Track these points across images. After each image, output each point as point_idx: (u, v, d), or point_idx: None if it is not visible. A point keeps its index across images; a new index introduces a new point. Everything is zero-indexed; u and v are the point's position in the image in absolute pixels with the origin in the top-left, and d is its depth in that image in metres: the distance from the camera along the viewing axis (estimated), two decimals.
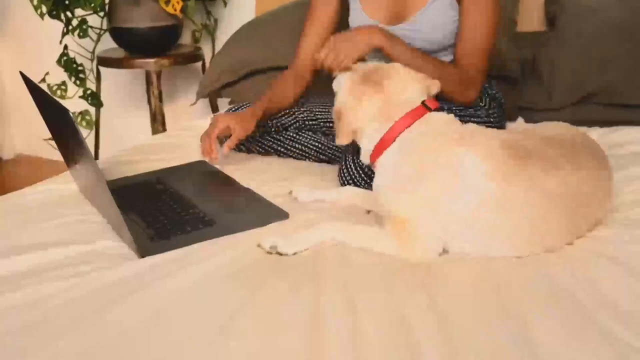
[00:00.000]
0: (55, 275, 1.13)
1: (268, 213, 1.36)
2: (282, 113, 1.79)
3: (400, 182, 1.23)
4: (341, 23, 1.76)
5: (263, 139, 1.78)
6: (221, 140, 1.65)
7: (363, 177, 1.51)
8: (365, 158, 1.36)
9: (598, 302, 1.01)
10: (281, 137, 1.78)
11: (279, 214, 1.35)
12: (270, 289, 1.07)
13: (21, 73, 1.43)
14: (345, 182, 1.53)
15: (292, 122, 1.80)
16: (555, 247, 1.18)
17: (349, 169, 1.54)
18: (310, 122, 1.80)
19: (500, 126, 1.72)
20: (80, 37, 2.50)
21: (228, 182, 1.56)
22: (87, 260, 1.19)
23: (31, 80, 1.36)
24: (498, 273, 1.11)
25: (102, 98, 2.74)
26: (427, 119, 1.27)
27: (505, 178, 1.14)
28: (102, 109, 2.78)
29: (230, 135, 1.60)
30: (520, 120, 1.79)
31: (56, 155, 2.74)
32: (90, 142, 2.83)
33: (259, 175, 1.63)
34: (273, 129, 1.79)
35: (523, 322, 0.96)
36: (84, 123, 2.70)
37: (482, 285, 1.08)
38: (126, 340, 0.94)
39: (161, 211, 1.39)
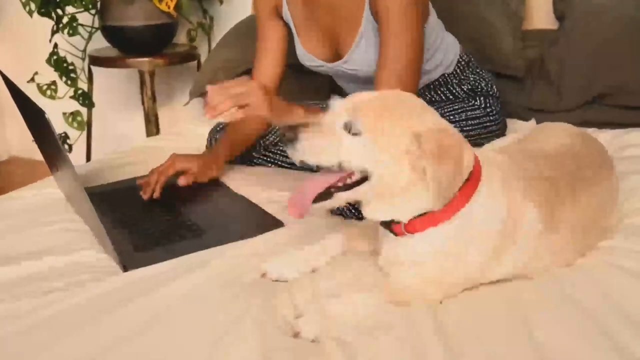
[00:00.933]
0: (31, 290, 1.06)
1: (262, 222, 1.28)
2: (270, 130, 1.69)
3: (454, 253, 1.02)
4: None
5: (257, 154, 1.69)
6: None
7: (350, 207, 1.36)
8: (386, 223, 1.06)
9: (610, 312, 0.97)
10: (271, 153, 1.68)
11: (274, 223, 1.27)
12: (264, 306, 0.99)
13: (0, 72, 1.35)
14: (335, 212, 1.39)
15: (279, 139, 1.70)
16: (570, 262, 1.12)
17: None
18: None
19: (500, 122, 1.65)
20: (70, 35, 2.42)
21: (219, 189, 1.48)
22: (67, 273, 1.12)
23: (10, 80, 1.28)
24: (508, 283, 1.06)
25: (94, 98, 2.65)
26: (483, 178, 1.04)
27: (554, 225, 1.08)
28: (94, 110, 2.70)
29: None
30: (532, 121, 1.70)
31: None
32: (82, 144, 2.75)
33: (255, 182, 1.54)
34: (262, 147, 1.69)
35: (532, 331, 0.92)
36: (75, 124, 2.62)
37: (492, 295, 1.03)
38: None
39: (147, 219, 1.31)
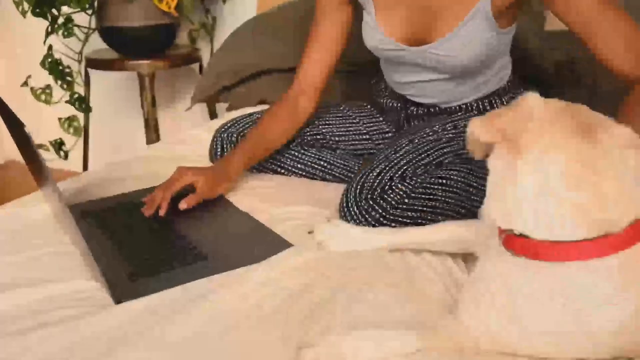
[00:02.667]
0: (8, 329, 0.92)
1: (269, 244, 1.15)
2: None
3: None
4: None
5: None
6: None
7: (370, 220, 1.24)
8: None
9: None
10: (281, 157, 1.56)
11: (281, 245, 1.15)
12: (280, 345, 0.86)
13: None
14: (347, 220, 1.28)
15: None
16: None
17: (351, 209, 1.27)
18: (315, 138, 1.58)
19: None
20: (65, 36, 2.30)
21: (222, 206, 1.35)
22: (52, 307, 0.98)
23: None
24: None
25: (92, 103, 2.53)
26: None
27: None
28: (92, 115, 2.58)
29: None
30: None
31: (46, 162, 2.59)
32: (79, 150, 2.62)
33: (258, 195, 1.41)
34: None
35: None
36: (71, 130, 2.51)
37: None
38: None
39: (144, 242, 1.18)
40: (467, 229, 1.07)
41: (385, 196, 1.26)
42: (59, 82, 2.43)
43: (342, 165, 1.57)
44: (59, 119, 2.48)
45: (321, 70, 1.50)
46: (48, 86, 2.47)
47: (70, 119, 2.50)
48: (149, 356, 0.86)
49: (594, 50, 1.24)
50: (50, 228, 1.25)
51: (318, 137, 1.59)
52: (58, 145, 2.56)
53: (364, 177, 1.31)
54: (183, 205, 1.32)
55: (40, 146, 2.32)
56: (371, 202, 1.26)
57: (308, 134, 1.58)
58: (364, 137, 1.63)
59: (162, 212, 1.30)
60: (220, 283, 1.03)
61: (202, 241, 1.17)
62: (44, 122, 2.52)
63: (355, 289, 0.99)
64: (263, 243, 1.16)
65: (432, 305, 0.95)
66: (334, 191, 1.41)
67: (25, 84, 2.44)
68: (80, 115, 2.53)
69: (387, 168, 1.32)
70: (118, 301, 0.99)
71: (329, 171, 1.56)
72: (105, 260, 1.11)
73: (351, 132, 1.62)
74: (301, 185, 1.50)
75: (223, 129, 1.60)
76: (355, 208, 1.27)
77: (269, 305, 0.96)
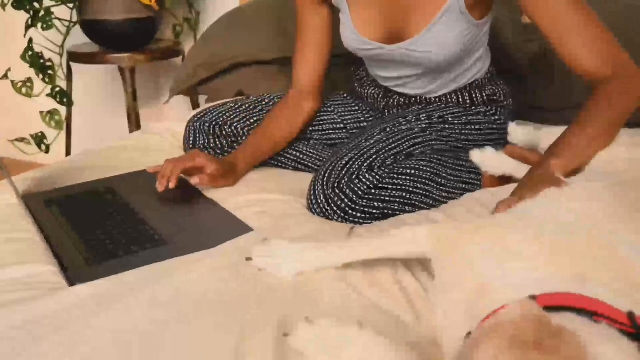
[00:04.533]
0: None
1: (230, 229, 1.14)
2: (255, 119, 1.56)
3: None
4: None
5: (231, 150, 1.54)
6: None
7: (336, 210, 1.24)
8: None
9: None
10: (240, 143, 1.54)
11: (242, 230, 1.13)
12: (232, 328, 0.85)
13: None
14: (314, 210, 1.27)
15: None
16: None
17: (318, 198, 1.27)
18: None
19: (504, 133, 1.50)
20: (44, 29, 2.29)
21: (189, 193, 1.34)
22: (3, 289, 0.97)
23: None
24: None
25: (75, 97, 2.52)
26: None
27: None
28: (74, 109, 2.56)
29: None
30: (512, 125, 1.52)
31: (21, 156, 2.56)
32: (60, 144, 2.61)
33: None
34: (244, 137, 1.55)
35: None
36: (52, 123, 2.49)
37: None
38: None
39: (105, 228, 1.17)
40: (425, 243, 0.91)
41: (352, 185, 1.25)
42: (41, 76, 2.42)
43: (314, 156, 1.56)
44: (41, 112, 2.46)
45: (315, 71, 1.52)
46: (29, 79, 2.46)
47: (52, 113, 2.49)
48: (95, 338, 0.84)
49: (559, 49, 1.23)
50: (15, 215, 1.24)
51: None
52: (39, 138, 2.54)
53: (332, 165, 1.30)
54: (195, 180, 1.31)
55: (22, 139, 2.30)
56: (337, 192, 1.25)
57: None
58: (339, 126, 1.62)
59: (172, 185, 1.29)
60: (176, 267, 1.02)
61: (163, 227, 1.16)
62: (25, 116, 2.50)
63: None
64: (224, 228, 1.15)
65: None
66: (305, 181, 1.40)
67: (6, 76, 2.43)
68: (62, 109, 2.52)
69: (356, 157, 1.31)
70: (72, 284, 0.98)
71: (301, 161, 1.56)
72: (65, 245, 1.10)
73: (325, 122, 1.61)
74: (272, 175, 1.48)
75: (196, 119, 1.59)
76: (322, 197, 1.26)
77: (222, 290, 0.95)
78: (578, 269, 0.72)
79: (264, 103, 1.60)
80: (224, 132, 1.54)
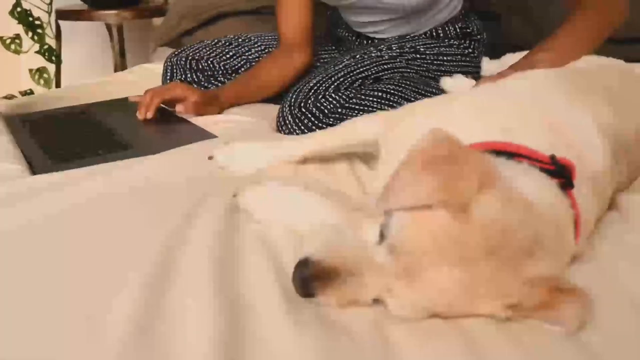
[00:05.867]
0: None
1: (195, 136, 1.17)
2: (232, 54, 1.58)
3: None
4: None
5: (208, 85, 1.57)
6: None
7: (303, 129, 1.26)
8: None
9: None
10: (217, 77, 1.57)
11: (207, 136, 1.17)
12: (184, 201, 0.87)
13: None
14: (283, 130, 1.30)
15: (242, 63, 1.59)
16: None
17: (285, 119, 1.29)
18: None
19: (478, 65, 1.53)
20: None
21: (164, 114, 1.36)
22: None
23: None
24: None
25: (63, 55, 2.55)
26: None
27: None
28: (63, 67, 2.59)
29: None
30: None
31: None
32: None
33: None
34: (220, 72, 1.57)
35: None
36: (41, 81, 2.51)
37: None
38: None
39: (75, 139, 1.20)
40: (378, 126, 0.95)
41: (319, 104, 1.28)
42: (30, 34, 2.45)
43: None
44: (30, 70, 2.49)
45: (300, 23, 1.49)
46: (17, 36, 2.48)
47: (41, 71, 2.51)
48: (54, 213, 0.87)
49: None
50: None
51: None
52: (28, 95, 2.57)
53: (299, 88, 1.33)
54: (180, 108, 1.33)
55: (11, 97, 2.33)
56: (304, 111, 1.27)
57: (256, 60, 1.59)
58: (315, 65, 1.64)
59: (150, 115, 1.31)
60: (137, 162, 1.04)
61: (132, 137, 1.19)
62: (14, 73, 2.53)
63: None
64: (191, 136, 1.18)
65: None
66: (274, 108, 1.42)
67: None
68: (51, 67, 2.54)
69: (323, 79, 1.33)
70: (34, 173, 1.02)
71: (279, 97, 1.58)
72: (35, 152, 1.13)
73: None
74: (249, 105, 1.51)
75: (174, 54, 1.61)
76: (289, 117, 1.29)
77: (181, 179, 0.98)
78: (507, 125, 0.75)
79: (240, 40, 1.63)
80: (200, 66, 1.57)
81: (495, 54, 1.69)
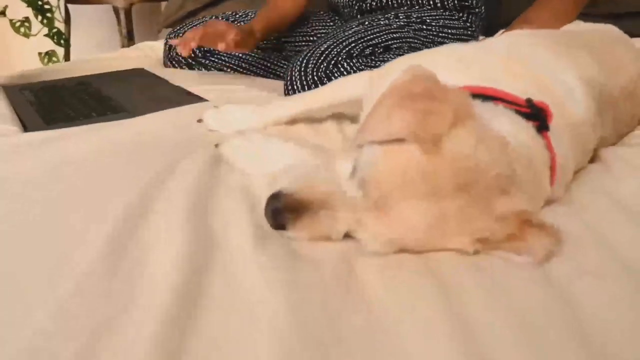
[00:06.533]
0: None
1: (186, 100, 1.19)
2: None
3: None
4: None
5: (206, 61, 1.59)
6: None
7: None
8: None
9: None
10: (224, 56, 1.58)
11: (198, 100, 1.18)
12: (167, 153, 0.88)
13: None
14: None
15: None
16: None
17: (294, 84, 1.28)
18: None
19: (474, 39, 1.53)
20: None
21: (160, 83, 1.38)
22: None
23: None
24: None
25: (72, 39, 2.58)
26: None
27: None
28: (72, 51, 2.62)
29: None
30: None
31: None
32: None
33: (203, 82, 1.42)
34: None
35: None
36: (50, 64, 2.54)
37: None
38: None
39: (71, 104, 1.21)
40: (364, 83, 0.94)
41: (330, 73, 1.27)
42: (39, 18, 2.48)
43: (285, 65, 1.58)
44: (39, 53, 2.52)
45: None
46: (27, 19, 2.52)
47: (50, 54, 2.54)
48: (45, 169, 0.87)
49: None
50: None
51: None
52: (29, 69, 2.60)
53: (311, 52, 1.31)
54: (222, 45, 1.32)
55: None
56: (316, 79, 1.26)
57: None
58: (311, 39, 1.64)
59: (194, 45, 1.30)
60: (127, 122, 1.05)
61: (127, 102, 1.20)
62: (23, 55, 2.56)
63: None
64: (183, 99, 1.19)
65: None
66: (271, 83, 1.43)
67: (3, 14, 2.48)
68: (60, 50, 2.58)
69: (334, 44, 1.32)
70: (26, 129, 1.04)
71: (272, 71, 1.59)
72: (31, 114, 1.15)
73: (298, 34, 1.64)
74: (240, 77, 1.52)
75: (174, 32, 1.63)
76: (298, 83, 1.27)
77: (167, 136, 0.99)
78: (488, 75, 0.75)
79: (237, 16, 1.64)
80: None
81: (492, 31, 1.69)
